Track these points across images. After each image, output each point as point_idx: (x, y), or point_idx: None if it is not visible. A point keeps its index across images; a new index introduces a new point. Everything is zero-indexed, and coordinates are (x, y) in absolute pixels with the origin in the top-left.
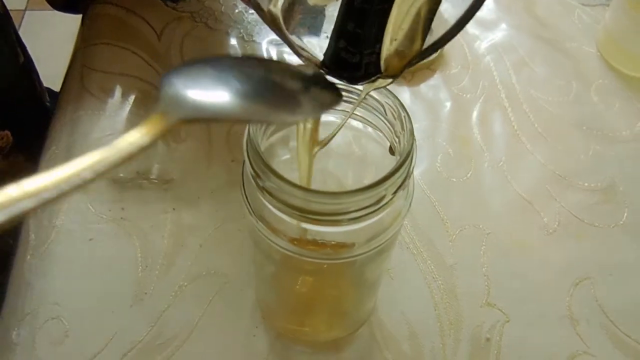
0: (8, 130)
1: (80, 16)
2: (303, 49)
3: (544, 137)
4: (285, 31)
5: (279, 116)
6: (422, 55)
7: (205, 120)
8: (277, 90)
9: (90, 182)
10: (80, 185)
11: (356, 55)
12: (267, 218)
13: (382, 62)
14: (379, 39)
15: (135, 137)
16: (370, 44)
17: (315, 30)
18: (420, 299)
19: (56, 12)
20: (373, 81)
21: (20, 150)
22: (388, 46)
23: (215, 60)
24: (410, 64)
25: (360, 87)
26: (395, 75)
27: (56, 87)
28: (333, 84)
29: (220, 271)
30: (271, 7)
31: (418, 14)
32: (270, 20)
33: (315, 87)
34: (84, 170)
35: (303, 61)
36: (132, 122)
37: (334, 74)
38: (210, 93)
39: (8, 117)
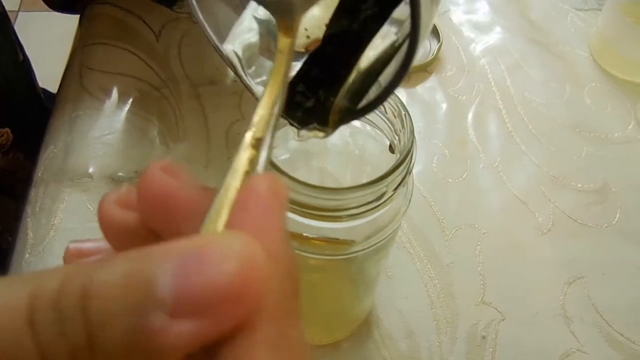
0: (8, 128)
1: (75, 17)
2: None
3: (538, 138)
4: (242, 73)
5: None
6: (356, 115)
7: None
8: None
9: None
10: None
11: (311, 100)
12: None
13: (330, 114)
14: (336, 89)
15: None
16: (328, 92)
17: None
18: (417, 298)
19: (49, 13)
20: (310, 129)
21: (19, 147)
22: (341, 97)
23: None
24: (344, 121)
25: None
26: (330, 130)
27: (50, 88)
28: None
29: None
30: (224, 48)
31: (371, 71)
32: (227, 61)
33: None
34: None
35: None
36: (131, 121)
37: (285, 114)
38: None
39: (8, 115)
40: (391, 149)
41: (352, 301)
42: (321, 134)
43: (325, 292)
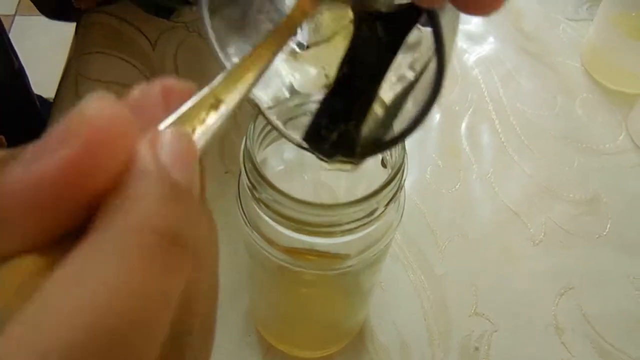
0: (2, 135)
1: (70, 24)
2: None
3: (530, 149)
4: (267, 115)
5: None
6: (381, 147)
7: None
8: None
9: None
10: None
11: (334, 134)
12: (262, 229)
13: (357, 146)
14: (360, 122)
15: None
16: (351, 125)
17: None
18: (411, 309)
19: (44, 19)
20: (336, 161)
21: None
22: (366, 130)
23: None
24: (370, 153)
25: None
26: (357, 162)
27: (46, 94)
28: None
29: None
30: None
31: (394, 103)
32: (253, 105)
33: None
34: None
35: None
36: None
37: (312, 147)
38: None
39: (2, 122)
40: (383, 164)
41: (346, 314)
42: (347, 166)
43: (319, 305)
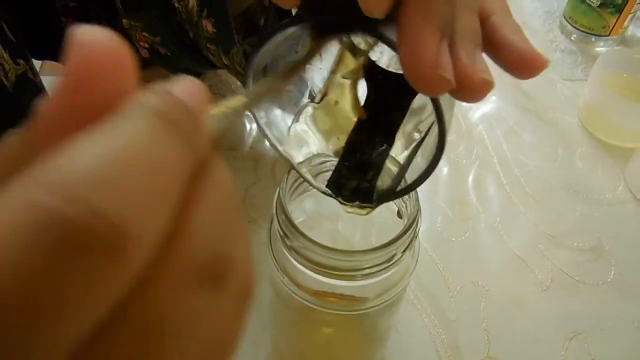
0: None
1: None
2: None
3: (535, 199)
4: (298, 169)
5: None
6: (395, 195)
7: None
8: None
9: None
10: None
11: (354, 181)
12: (290, 272)
13: (374, 193)
14: (376, 173)
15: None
16: (368, 175)
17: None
18: (426, 352)
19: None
20: (354, 206)
21: None
22: (382, 180)
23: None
24: (385, 199)
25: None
26: (373, 207)
27: None
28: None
29: None
30: (283, 151)
31: (406, 158)
32: (286, 161)
33: None
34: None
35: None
36: None
37: (334, 194)
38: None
39: None
40: (399, 214)
41: (364, 354)
42: (364, 210)
43: (338, 345)
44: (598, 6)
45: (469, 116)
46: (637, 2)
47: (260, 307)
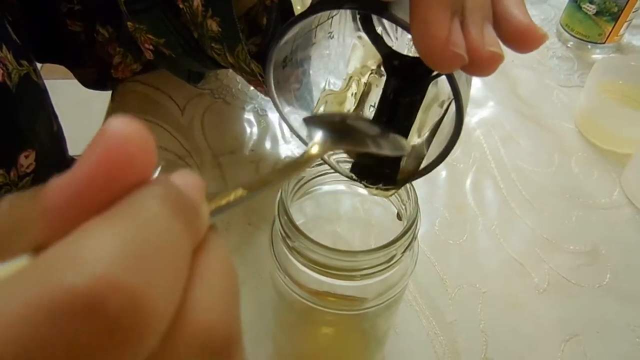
0: None
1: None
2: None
3: (532, 203)
4: (332, 162)
5: (379, 149)
6: (416, 176)
7: (341, 148)
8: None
9: (276, 184)
10: (269, 186)
11: (376, 166)
12: (291, 273)
13: (398, 176)
14: (399, 158)
15: (308, 155)
16: (392, 161)
17: (306, 105)
18: (424, 354)
19: (64, 81)
20: (379, 188)
21: None
22: (404, 163)
23: (330, 115)
24: (407, 181)
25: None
26: (396, 188)
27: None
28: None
29: None
30: (325, 157)
31: (426, 139)
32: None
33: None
34: (271, 175)
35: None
36: None
37: (361, 180)
38: (341, 134)
39: (41, 180)
40: (399, 216)
41: (364, 355)
42: (389, 192)
43: (338, 345)
44: (594, 14)
45: (467, 121)
46: (633, 10)
47: (261, 307)
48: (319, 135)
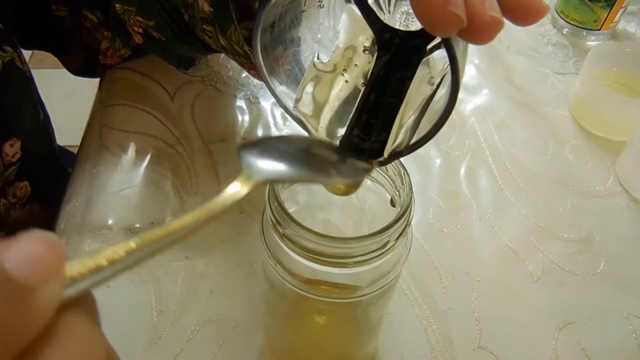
0: (27, 181)
1: (75, 77)
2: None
3: (526, 191)
4: (311, 129)
5: (327, 179)
6: (407, 150)
7: (276, 181)
8: (321, 159)
9: (194, 232)
10: (186, 236)
11: (366, 142)
12: (283, 261)
13: (385, 150)
14: (387, 130)
15: (230, 193)
16: (379, 133)
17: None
18: (418, 343)
19: (54, 70)
20: (368, 162)
21: (36, 200)
22: (393, 136)
23: (276, 139)
24: (398, 155)
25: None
26: (386, 162)
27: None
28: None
29: (230, 316)
30: (295, 110)
31: (417, 116)
32: (295, 118)
33: (350, 158)
34: (188, 223)
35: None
36: (147, 176)
37: (347, 155)
38: (277, 163)
39: (28, 170)
40: (392, 203)
41: (357, 344)
42: (377, 165)
43: (331, 334)
44: (589, 0)
45: (461, 108)
46: None
47: (253, 296)
48: (246, 169)
